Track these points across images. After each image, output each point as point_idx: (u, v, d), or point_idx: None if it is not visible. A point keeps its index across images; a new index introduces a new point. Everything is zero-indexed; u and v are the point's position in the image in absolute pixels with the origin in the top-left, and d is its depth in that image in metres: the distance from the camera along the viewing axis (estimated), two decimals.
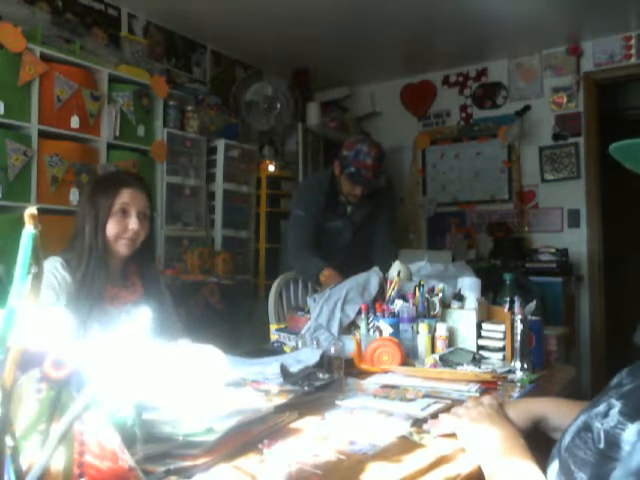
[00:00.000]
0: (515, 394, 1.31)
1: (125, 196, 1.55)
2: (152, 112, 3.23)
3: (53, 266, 1.50)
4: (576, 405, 0.94)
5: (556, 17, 3.60)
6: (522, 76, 4.31)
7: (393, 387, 1.33)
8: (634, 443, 0.58)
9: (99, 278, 1.50)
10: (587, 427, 0.65)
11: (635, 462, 0.56)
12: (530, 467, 0.75)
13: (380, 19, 3.57)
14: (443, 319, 1.69)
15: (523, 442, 0.84)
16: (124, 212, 1.55)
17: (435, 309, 1.69)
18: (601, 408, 0.65)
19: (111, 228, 1.54)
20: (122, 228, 1.54)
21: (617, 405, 0.63)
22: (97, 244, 1.52)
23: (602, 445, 0.61)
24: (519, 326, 1.51)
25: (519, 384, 1.40)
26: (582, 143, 4.07)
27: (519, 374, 1.47)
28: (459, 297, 1.72)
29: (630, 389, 0.64)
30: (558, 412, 0.96)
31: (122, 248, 1.56)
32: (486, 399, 1.03)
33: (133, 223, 1.55)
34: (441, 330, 1.62)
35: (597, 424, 0.63)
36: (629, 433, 0.59)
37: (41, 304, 1.46)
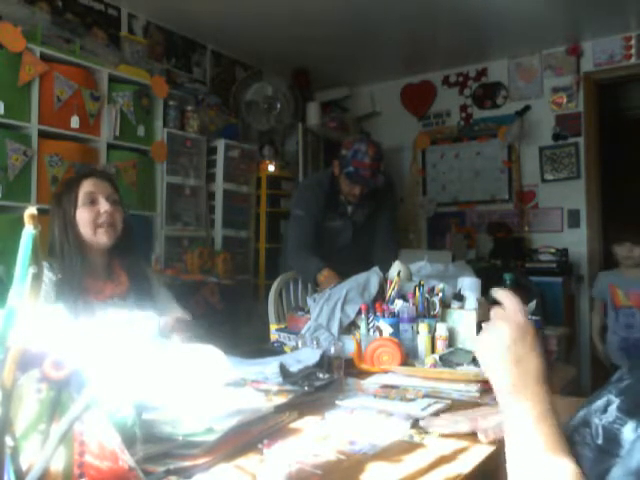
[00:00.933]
0: None
1: (88, 186, 1.54)
2: (152, 112, 3.23)
3: None
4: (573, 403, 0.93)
5: (556, 17, 3.60)
6: (522, 76, 4.31)
7: (393, 387, 1.33)
8: (633, 441, 0.57)
9: (77, 270, 1.49)
10: (585, 423, 0.65)
11: (635, 461, 0.56)
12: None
13: (380, 19, 3.57)
14: (443, 319, 1.69)
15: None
16: (92, 201, 1.53)
17: (435, 309, 1.69)
18: (600, 404, 0.64)
19: (83, 218, 1.52)
20: (94, 214, 1.52)
21: (616, 401, 0.63)
22: (67, 239, 1.51)
23: (600, 441, 0.61)
24: None
25: None
26: (582, 143, 4.07)
27: None
28: (459, 297, 1.72)
29: (629, 385, 0.64)
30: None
31: (102, 237, 1.53)
32: (512, 314, 0.74)
33: (104, 205, 1.53)
34: (441, 330, 1.62)
35: (595, 420, 0.63)
36: (628, 430, 0.59)
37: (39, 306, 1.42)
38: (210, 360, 1.25)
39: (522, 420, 0.67)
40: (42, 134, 2.65)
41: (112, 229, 1.55)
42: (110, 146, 2.96)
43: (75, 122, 2.77)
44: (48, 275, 1.48)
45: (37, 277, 0.51)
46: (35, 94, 2.62)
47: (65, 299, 1.45)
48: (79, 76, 2.79)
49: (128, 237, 1.63)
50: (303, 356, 1.41)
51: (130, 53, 3.24)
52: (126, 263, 1.63)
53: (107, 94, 2.95)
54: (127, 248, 1.64)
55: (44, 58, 2.65)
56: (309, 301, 1.92)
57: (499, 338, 0.71)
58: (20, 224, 0.53)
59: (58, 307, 1.39)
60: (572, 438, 0.66)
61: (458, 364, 1.50)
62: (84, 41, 3.01)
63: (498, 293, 0.76)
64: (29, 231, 0.51)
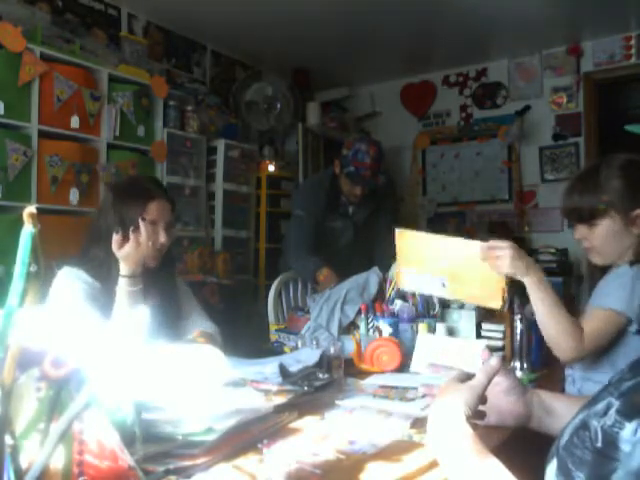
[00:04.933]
0: None
1: (152, 210, 1.50)
2: (152, 112, 3.23)
3: (76, 275, 1.45)
4: (576, 400, 0.93)
5: (556, 17, 3.60)
6: (522, 76, 4.31)
7: (393, 387, 1.33)
8: (634, 444, 0.57)
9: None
10: (585, 425, 0.65)
11: (635, 462, 0.56)
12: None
13: (380, 19, 3.57)
14: (442, 319, 1.69)
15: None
16: (152, 224, 1.49)
17: (434, 309, 1.70)
18: (600, 407, 0.64)
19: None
20: (151, 242, 1.49)
21: (616, 404, 0.63)
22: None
23: (600, 444, 0.61)
24: (519, 326, 1.51)
25: None
26: (582, 143, 4.07)
27: (519, 374, 1.47)
28: None
29: (629, 387, 0.64)
30: (560, 407, 0.96)
31: (150, 261, 1.50)
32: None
33: (162, 237, 1.50)
34: (440, 330, 1.62)
35: (594, 422, 0.63)
36: (627, 432, 0.59)
37: (82, 315, 1.40)
38: (210, 360, 1.25)
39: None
40: (42, 134, 2.65)
41: (159, 255, 1.53)
42: (110, 146, 2.95)
43: (75, 122, 2.77)
44: (91, 282, 1.46)
45: (36, 276, 0.51)
46: (35, 94, 2.62)
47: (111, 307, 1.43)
48: (79, 76, 2.79)
49: (167, 253, 1.58)
50: (303, 356, 1.41)
51: (130, 53, 3.24)
52: (156, 275, 1.58)
53: (107, 94, 2.94)
54: (163, 262, 1.58)
55: (44, 58, 2.64)
56: (309, 301, 1.92)
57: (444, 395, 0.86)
58: (20, 224, 0.53)
59: (95, 312, 1.38)
60: (571, 440, 0.66)
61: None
62: (84, 41, 3.01)
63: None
64: (28, 230, 0.51)
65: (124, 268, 1.45)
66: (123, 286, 1.44)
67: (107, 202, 1.56)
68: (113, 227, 1.46)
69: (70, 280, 1.46)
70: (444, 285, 1.38)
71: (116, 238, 1.44)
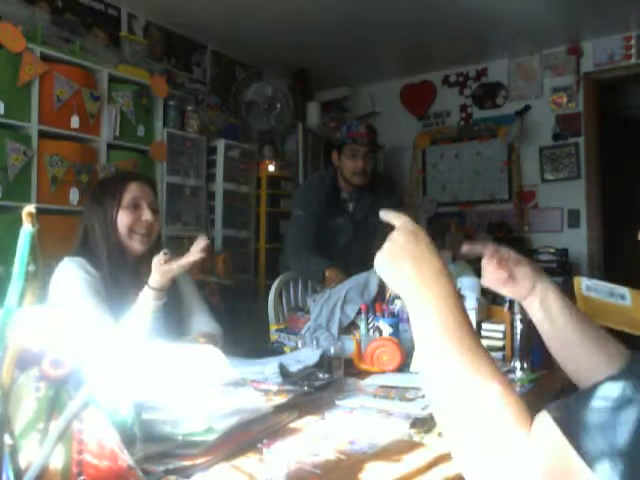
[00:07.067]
0: None
1: (133, 190, 1.51)
2: (152, 112, 3.23)
3: (79, 264, 1.44)
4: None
5: (556, 17, 3.60)
6: (522, 76, 4.31)
7: (393, 387, 1.33)
8: (617, 399, 0.51)
9: (127, 275, 1.47)
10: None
11: (622, 437, 0.49)
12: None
13: (380, 19, 3.57)
14: None
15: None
16: (135, 206, 1.50)
17: None
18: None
19: (123, 222, 1.49)
20: (134, 220, 1.49)
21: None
22: (110, 241, 1.48)
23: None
24: (519, 326, 1.51)
25: (519, 383, 1.39)
26: (582, 143, 4.07)
27: (519, 373, 1.47)
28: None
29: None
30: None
31: (137, 244, 1.50)
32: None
33: (146, 214, 1.50)
34: None
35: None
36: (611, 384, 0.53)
37: (82, 302, 1.40)
38: (210, 360, 1.25)
39: (430, 329, 0.66)
40: (42, 134, 2.65)
41: (147, 238, 1.53)
42: (110, 146, 2.96)
43: (75, 122, 2.77)
44: (92, 271, 1.45)
45: (35, 275, 0.51)
46: (35, 94, 2.62)
47: (114, 302, 1.42)
48: (79, 76, 2.79)
49: (158, 246, 1.58)
50: (303, 356, 1.41)
51: (130, 53, 3.24)
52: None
53: (107, 94, 2.94)
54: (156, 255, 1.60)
55: (44, 58, 2.64)
56: (309, 301, 1.92)
57: (393, 243, 0.73)
58: (20, 224, 0.53)
59: (101, 304, 1.38)
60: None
61: None
62: (84, 41, 3.00)
63: (387, 215, 0.77)
64: (27, 229, 0.51)
65: (155, 280, 1.41)
66: (150, 297, 1.40)
67: (89, 195, 1.60)
68: (95, 216, 1.48)
69: (74, 268, 1.44)
70: (624, 297, 1.38)
71: (163, 257, 1.41)
